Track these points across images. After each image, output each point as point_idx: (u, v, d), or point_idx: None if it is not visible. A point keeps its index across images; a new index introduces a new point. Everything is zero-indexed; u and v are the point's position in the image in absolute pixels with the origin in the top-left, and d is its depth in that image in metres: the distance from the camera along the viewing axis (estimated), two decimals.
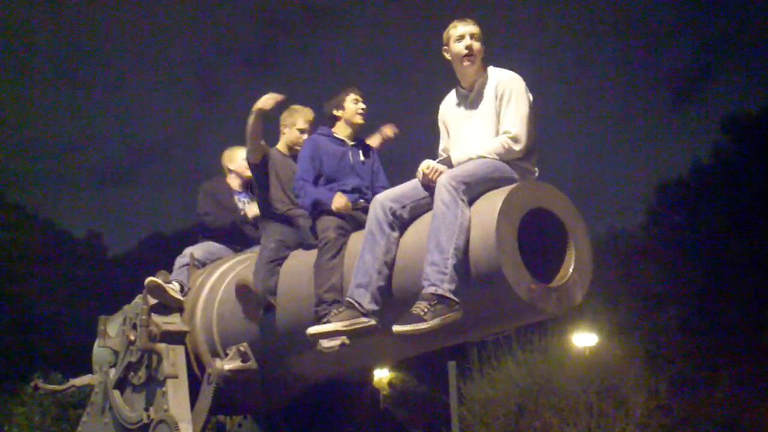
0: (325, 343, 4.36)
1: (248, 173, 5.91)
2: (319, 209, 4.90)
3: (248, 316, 5.10)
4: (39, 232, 31.40)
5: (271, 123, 5.73)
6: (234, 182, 6.46)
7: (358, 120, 5.28)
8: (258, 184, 5.61)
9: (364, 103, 5.29)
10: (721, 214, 23.73)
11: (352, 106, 5.26)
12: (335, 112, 5.29)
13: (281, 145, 5.82)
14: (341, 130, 5.29)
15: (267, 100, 5.28)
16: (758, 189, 23.29)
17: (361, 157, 5.30)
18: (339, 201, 4.86)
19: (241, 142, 6.09)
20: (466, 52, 4.51)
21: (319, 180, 5.14)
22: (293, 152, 5.70)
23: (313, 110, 5.87)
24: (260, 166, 5.53)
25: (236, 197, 6.45)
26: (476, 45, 4.53)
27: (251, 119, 5.35)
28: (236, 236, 6.22)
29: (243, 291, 5.07)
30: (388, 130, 5.68)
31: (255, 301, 5.02)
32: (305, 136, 5.70)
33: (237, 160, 6.34)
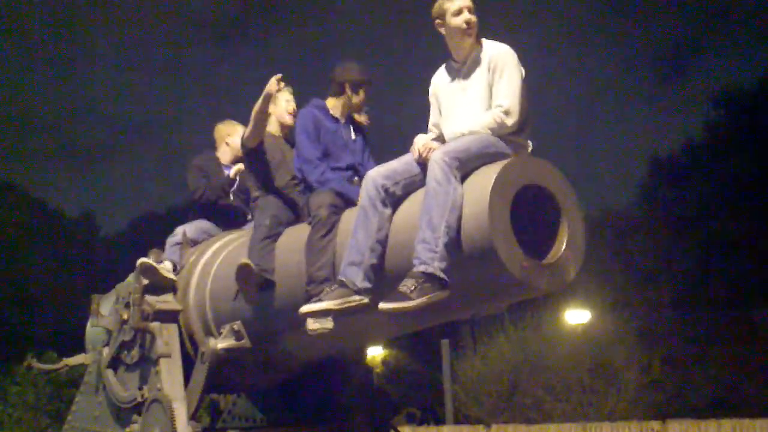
0: (312, 325, 4.35)
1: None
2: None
3: (245, 294, 5.06)
4: (31, 211, 31.29)
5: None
6: (225, 156, 6.42)
7: (356, 100, 5.23)
8: (251, 166, 5.59)
9: (294, 102, 5.33)
10: (714, 190, 23.76)
11: (350, 91, 5.21)
12: (336, 84, 5.24)
13: (272, 127, 5.80)
14: (335, 106, 5.26)
15: (273, 84, 5.19)
16: (751, 164, 23.31)
17: (353, 135, 5.28)
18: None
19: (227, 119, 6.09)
20: (465, 26, 4.44)
21: None
22: (284, 130, 5.70)
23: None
24: (255, 150, 5.50)
25: (225, 171, 6.43)
26: (474, 18, 4.46)
27: (259, 104, 5.27)
28: (227, 213, 6.20)
29: (245, 272, 4.97)
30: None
31: (255, 281, 4.97)
32: (291, 105, 5.74)
33: (235, 135, 6.24)
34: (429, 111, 4.75)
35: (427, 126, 4.72)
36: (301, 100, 5.75)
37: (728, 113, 26.00)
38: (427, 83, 4.77)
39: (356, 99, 5.25)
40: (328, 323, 4.34)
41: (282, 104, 5.78)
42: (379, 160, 5.02)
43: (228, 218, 6.21)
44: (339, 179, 4.96)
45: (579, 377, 18.71)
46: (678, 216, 24.11)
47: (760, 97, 25.10)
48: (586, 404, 18.63)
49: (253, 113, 5.31)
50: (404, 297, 3.89)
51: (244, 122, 5.61)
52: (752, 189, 22.93)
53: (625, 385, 18.65)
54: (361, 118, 5.50)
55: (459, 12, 4.46)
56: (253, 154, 5.49)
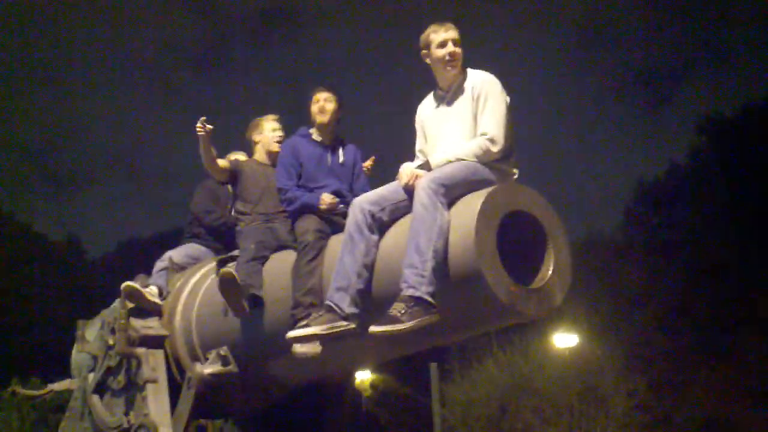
0: (299, 349, 4.36)
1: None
2: (305, 212, 4.92)
3: (234, 310, 4.99)
4: (16, 235, 31.07)
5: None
6: (261, 155, 6.00)
7: (319, 119, 5.26)
8: (233, 194, 5.74)
9: (324, 101, 5.27)
10: (698, 215, 23.95)
11: (313, 108, 5.28)
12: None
13: (258, 155, 5.94)
14: (318, 131, 5.31)
15: (199, 127, 5.45)
16: (734, 189, 23.54)
17: (340, 159, 5.30)
18: (325, 200, 4.94)
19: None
20: (449, 58, 4.55)
21: (299, 181, 5.16)
22: (272, 158, 5.75)
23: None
24: (231, 181, 5.71)
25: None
26: (458, 50, 4.57)
27: (200, 148, 5.55)
28: (226, 236, 6.19)
29: (228, 283, 4.93)
30: (367, 162, 5.69)
31: (240, 293, 4.92)
32: (279, 134, 5.84)
33: (264, 131, 6.00)
34: (415, 138, 4.81)
35: (413, 153, 4.78)
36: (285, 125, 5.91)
37: (712, 139, 26.30)
38: (412, 109, 4.84)
39: (324, 117, 5.26)
40: (315, 347, 4.35)
41: (268, 133, 5.87)
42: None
43: (224, 241, 6.20)
44: (301, 193, 5.04)
45: (568, 401, 18.71)
46: (663, 240, 24.28)
47: (742, 124, 25.40)
48: (575, 427, 18.61)
49: (202, 159, 5.60)
50: (395, 320, 3.91)
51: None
52: (736, 213, 23.13)
53: (614, 409, 18.66)
54: (368, 163, 5.59)
55: (443, 44, 4.57)
56: (230, 182, 5.71)
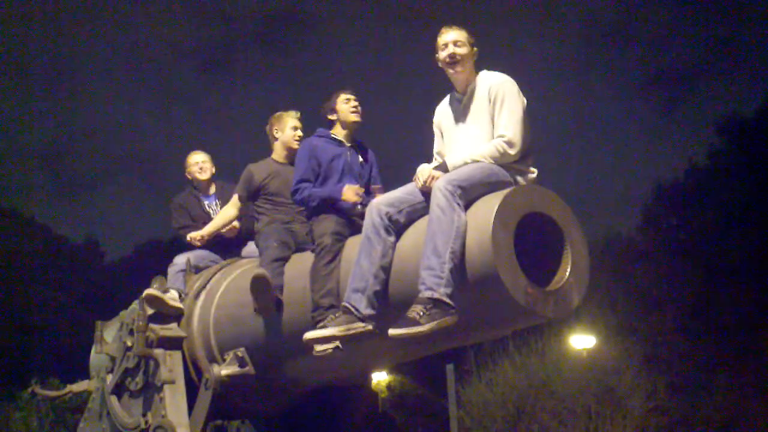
0: (318, 347, 4.37)
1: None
2: (325, 210, 4.91)
3: (261, 311, 4.96)
4: (36, 238, 31.33)
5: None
6: (279, 153, 5.94)
7: (353, 118, 5.27)
8: (253, 201, 5.81)
9: (355, 100, 5.29)
10: (718, 216, 23.76)
11: (344, 107, 5.27)
12: (330, 117, 5.32)
13: (276, 154, 5.91)
14: (339, 132, 5.31)
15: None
16: (754, 190, 23.33)
17: (360, 159, 5.31)
18: (349, 191, 4.90)
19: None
20: (448, 60, 4.56)
21: (317, 182, 5.16)
22: (290, 157, 5.74)
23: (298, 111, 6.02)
24: (251, 197, 5.84)
25: (205, 203, 6.47)
26: (459, 51, 4.55)
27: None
28: (219, 244, 6.22)
29: (261, 283, 4.86)
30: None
31: (270, 295, 4.89)
32: (298, 133, 5.80)
33: (285, 128, 5.92)
34: (430, 140, 4.81)
35: (423, 157, 4.78)
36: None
37: (731, 139, 26.06)
38: (422, 113, 4.84)
39: (342, 114, 5.26)
40: (335, 345, 4.35)
41: (288, 131, 5.86)
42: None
43: (227, 247, 6.23)
44: (318, 190, 5.03)
45: (584, 403, 18.60)
46: (682, 241, 24.11)
47: (763, 124, 25.16)
48: (592, 430, 18.51)
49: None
50: (414, 322, 3.90)
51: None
52: (756, 214, 22.92)
53: (631, 411, 18.53)
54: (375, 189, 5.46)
55: (444, 46, 4.58)
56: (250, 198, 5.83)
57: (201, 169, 6.54)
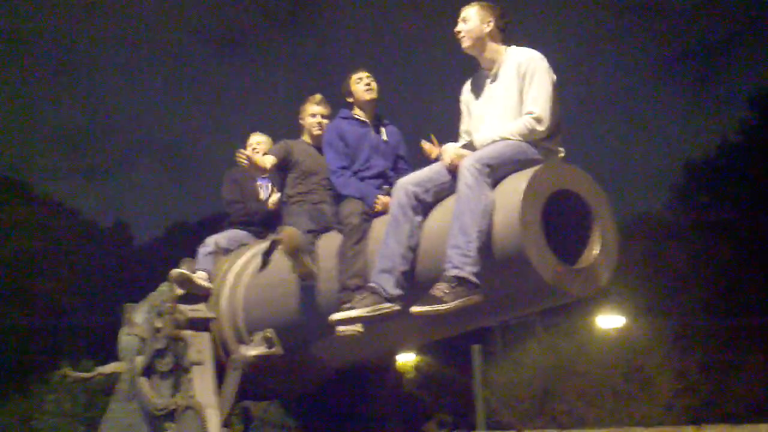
0: (342, 327, 4.36)
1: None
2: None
3: (301, 271, 4.88)
4: (66, 222, 31.71)
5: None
6: (307, 138, 5.96)
7: (367, 96, 5.28)
8: (280, 177, 5.77)
9: (367, 78, 5.29)
10: (749, 193, 23.41)
11: (357, 87, 5.30)
12: (348, 99, 5.36)
13: (306, 136, 5.95)
14: (359, 112, 5.35)
15: (240, 159, 5.47)
16: None
17: (384, 137, 5.30)
18: (381, 202, 4.81)
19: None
20: (457, 37, 4.54)
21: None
22: (316, 140, 5.76)
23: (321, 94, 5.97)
24: (280, 167, 5.69)
25: (258, 182, 6.49)
26: (460, 27, 4.52)
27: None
28: (260, 222, 6.25)
29: (293, 239, 4.84)
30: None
31: (304, 252, 4.85)
32: (317, 119, 5.83)
33: (306, 116, 5.95)
34: (459, 118, 4.75)
35: (457, 133, 4.72)
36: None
37: (763, 114, 25.60)
38: (440, 96, 4.80)
39: (357, 95, 5.27)
40: (357, 327, 4.34)
41: (308, 119, 5.88)
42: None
43: (264, 227, 6.25)
44: (356, 184, 4.99)
45: (612, 382, 18.52)
46: (713, 219, 23.78)
47: None
48: (620, 410, 18.43)
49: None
50: (438, 300, 3.88)
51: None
52: None
53: (659, 391, 18.42)
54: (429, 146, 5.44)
55: (456, 24, 4.54)
56: (279, 168, 5.69)
57: (256, 150, 6.54)
